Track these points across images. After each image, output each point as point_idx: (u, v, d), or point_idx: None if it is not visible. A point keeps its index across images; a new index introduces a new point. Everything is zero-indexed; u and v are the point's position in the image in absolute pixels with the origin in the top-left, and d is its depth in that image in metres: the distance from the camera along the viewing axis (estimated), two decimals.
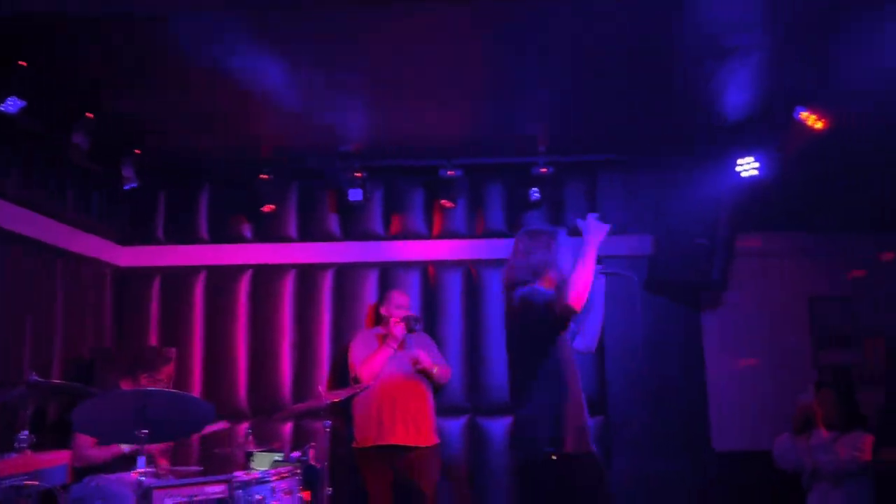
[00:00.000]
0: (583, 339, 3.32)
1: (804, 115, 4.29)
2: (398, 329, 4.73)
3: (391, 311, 4.89)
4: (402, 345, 4.80)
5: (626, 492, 5.20)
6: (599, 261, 3.16)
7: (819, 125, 4.28)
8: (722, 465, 5.21)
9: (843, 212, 5.27)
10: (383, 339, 4.82)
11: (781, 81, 4.27)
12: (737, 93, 4.40)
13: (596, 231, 3.13)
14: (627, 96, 4.51)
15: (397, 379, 4.73)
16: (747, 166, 4.95)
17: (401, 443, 4.63)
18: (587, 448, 2.99)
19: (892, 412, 3.80)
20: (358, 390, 4.64)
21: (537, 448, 2.91)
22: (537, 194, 5.30)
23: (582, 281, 2.94)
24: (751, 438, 5.12)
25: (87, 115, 4.31)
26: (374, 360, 4.73)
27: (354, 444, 4.80)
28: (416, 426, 4.68)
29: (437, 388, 4.94)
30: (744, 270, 5.39)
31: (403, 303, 4.95)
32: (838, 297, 5.40)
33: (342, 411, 5.06)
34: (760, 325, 5.41)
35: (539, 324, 3.03)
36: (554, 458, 2.87)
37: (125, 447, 4.01)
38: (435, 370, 4.79)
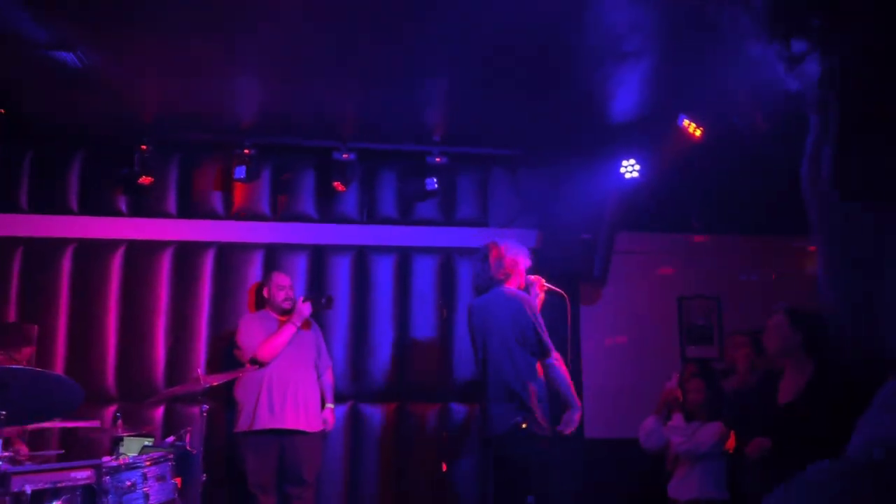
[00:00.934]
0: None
1: (686, 122, 4.54)
2: (305, 307, 4.66)
3: (273, 292, 4.83)
4: (307, 324, 4.73)
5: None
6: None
7: (698, 133, 4.54)
8: (593, 451, 5.44)
9: (715, 215, 5.63)
10: (280, 319, 4.74)
11: (666, 89, 4.50)
12: (626, 96, 4.60)
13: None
14: (523, 92, 4.61)
15: (292, 362, 4.65)
16: (630, 168, 5.19)
17: (291, 427, 4.54)
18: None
19: (743, 402, 4.12)
20: (243, 373, 4.50)
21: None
22: (434, 184, 5.31)
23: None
24: (620, 427, 5.37)
25: None
26: (277, 339, 4.62)
27: (237, 429, 4.65)
28: (305, 411, 4.62)
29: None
30: (621, 267, 5.64)
31: (285, 283, 4.88)
32: (704, 296, 5.76)
33: (219, 395, 4.88)
34: (634, 319, 5.69)
35: None
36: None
37: None
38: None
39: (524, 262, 4.09)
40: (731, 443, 3.89)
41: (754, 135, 4.36)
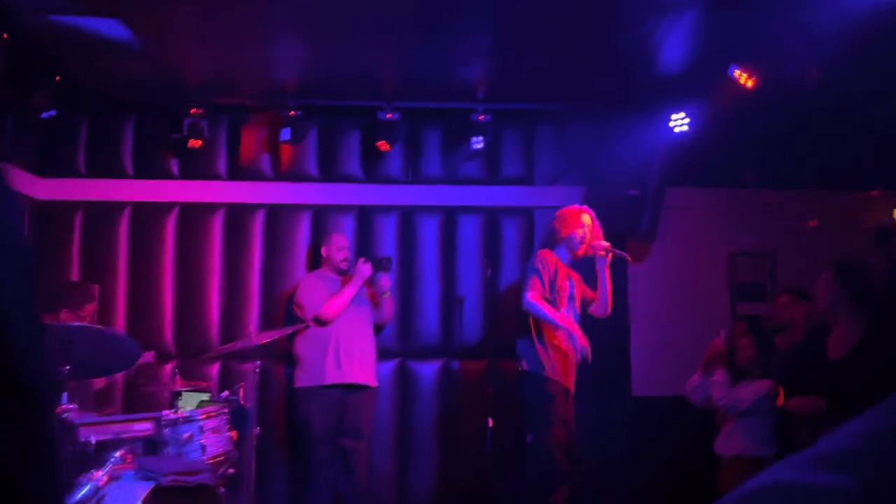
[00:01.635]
0: (598, 307, 4.55)
1: (737, 73, 4.40)
2: (365, 268, 4.75)
3: (332, 252, 4.93)
4: (369, 283, 4.83)
5: None
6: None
7: (750, 83, 4.40)
8: (641, 409, 5.44)
9: (768, 169, 5.47)
10: (342, 278, 4.84)
11: (715, 39, 4.36)
12: (673, 49, 4.48)
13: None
14: (567, 46, 4.52)
15: (354, 319, 4.77)
16: (679, 121, 5.07)
17: (357, 381, 4.68)
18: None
19: (794, 359, 4.05)
20: (293, 330, 4.64)
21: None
22: (480, 143, 5.28)
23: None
24: (668, 385, 5.35)
25: (3, 35, 4.04)
26: (339, 299, 4.74)
27: (301, 384, 4.77)
28: (366, 367, 4.76)
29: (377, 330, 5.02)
30: (670, 223, 5.55)
31: (344, 244, 4.99)
32: (756, 252, 5.64)
33: (271, 352, 5.03)
34: (683, 276, 5.61)
35: None
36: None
37: None
38: (387, 293, 4.91)
39: (565, 230, 4.49)
40: (780, 399, 3.85)
41: (809, 84, 4.21)
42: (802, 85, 4.25)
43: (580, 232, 4.43)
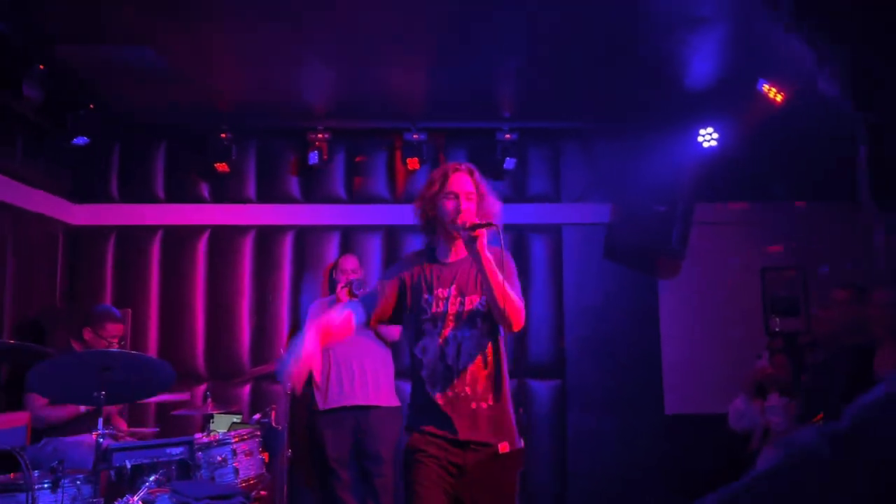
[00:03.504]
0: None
1: (766, 87, 4.36)
2: (343, 294, 4.74)
3: (338, 275, 4.91)
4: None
5: (580, 453, 5.35)
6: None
7: (779, 98, 4.36)
8: (674, 427, 5.37)
9: (801, 183, 5.40)
10: (330, 305, 4.82)
11: (744, 54, 4.32)
12: (700, 64, 4.45)
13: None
14: (594, 63, 4.51)
15: (352, 342, 4.73)
16: (707, 137, 5.03)
17: (361, 403, 4.66)
18: None
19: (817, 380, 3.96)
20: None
21: None
22: (512, 164, 5.27)
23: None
24: (703, 402, 5.28)
25: (40, 66, 4.14)
26: None
27: (315, 407, 4.81)
28: (374, 386, 4.71)
29: (394, 347, 4.97)
30: (700, 239, 5.50)
31: (350, 266, 4.90)
32: (789, 266, 5.56)
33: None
34: (714, 292, 5.54)
35: None
36: None
37: (82, 406, 3.93)
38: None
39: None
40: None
41: (840, 97, 4.15)
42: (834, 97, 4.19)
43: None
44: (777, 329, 5.25)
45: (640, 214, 5.33)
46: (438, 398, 2.62)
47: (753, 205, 5.62)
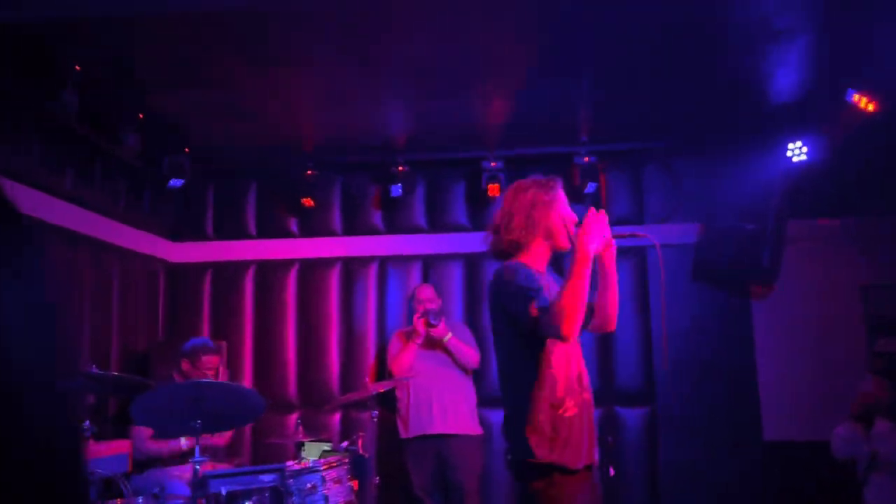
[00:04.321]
0: (595, 319, 2.73)
1: (856, 97, 4.18)
2: (420, 324, 4.79)
3: (414, 305, 4.98)
4: (427, 340, 4.82)
5: (675, 483, 5.17)
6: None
7: (871, 108, 4.17)
8: (773, 454, 5.13)
9: (891, 195, 5.12)
10: (408, 335, 4.89)
11: (830, 64, 4.17)
12: (785, 76, 4.32)
13: (591, 230, 2.45)
14: (673, 83, 4.45)
15: (431, 371, 4.78)
16: (797, 151, 4.85)
17: (439, 432, 4.68)
18: None
19: None
20: (396, 382, 4.72)
21: None
22: (593, 187, 5.24)
23: (572, 302, 2.35)
24: (803, 428, 5.03)
25: (139, 115, 4.44)
26: (401, 357, 4.83)
27: (400, 436, 4.87)
28: (454, 415, 4.72)
29: (476, 375, 4.97)
30: (794, 257, 5.27)
31: (426, 296, 4.96)
32: (891, 283, 5.25)
33: (389, 402, 5.13)
34: (812, 312, 5.29)
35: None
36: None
37: (184, 443, 4.12)
38: (447, 337, 4.79)
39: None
40: None
41: None
42: None
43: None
44: (881, 349, 4.95)
45: (729, 234, 5.18)
46: None
47: (847, 220, 5.35)
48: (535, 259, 2.68)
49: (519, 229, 2.65)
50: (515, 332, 2.55)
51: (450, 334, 4.82)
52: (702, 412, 5.22)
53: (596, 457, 2.60)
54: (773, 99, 4.63)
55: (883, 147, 4.69)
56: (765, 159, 5.03)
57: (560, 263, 3.48)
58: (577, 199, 5.40)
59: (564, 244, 2.66)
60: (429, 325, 4.76)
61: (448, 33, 3.81)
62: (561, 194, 2.75)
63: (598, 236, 2.49)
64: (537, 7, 3.61)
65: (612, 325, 2.74)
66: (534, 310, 2.43)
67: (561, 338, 2.40)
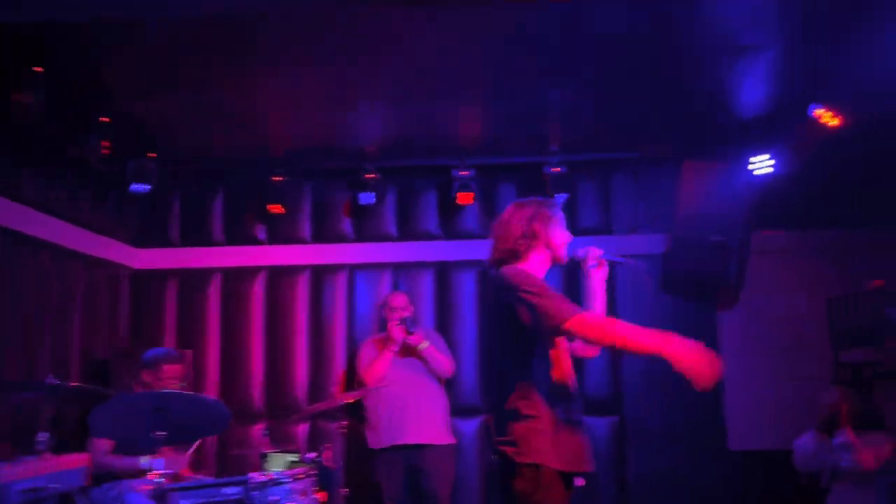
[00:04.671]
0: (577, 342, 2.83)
1: (818, 112, 4.26)
2: (397, 332, 4.74)
3: (387, 313, 4.91)
4: (404, 348, 4.79)
5: (640, 492, 5.20)
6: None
7: (834, 122, 4.24)
8: (737, 464, 5.17)
9: (858, 207, 5.22)
10: (384, 343, 4.83)
11: (795, 79, 4.24)
12: (751, 90, 4.38)
13: (702, 362, 2.47)
14: (641, 95, 4.50)
15: (405, 380, 4.74)
16: (761, 164, 4.92)
17: (413, 442, 4.64)
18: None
19: None
20: (367, 392, 4.66)
21: None
22: (563, 198, 5.24)
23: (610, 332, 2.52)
24: (767, 438, 5.08)
25: (103, 119, 4.34)
26: (376, 366, 4.76)
27: (369, 446, 4.82)
28: (429, 424, 4.69)
29: (447, 384, 4.95)
30: (761, 268, 5.34)
31: (398, 304, 4.90)
32: (856, 294, 5.34)
33: (358, 412, 5.08)
34: (777, 324, 5.36)
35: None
36: None
37: (143, 462, 3.99)
38: (425, 345, 4.76)
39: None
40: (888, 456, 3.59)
41: None
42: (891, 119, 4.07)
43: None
44: (844, 360, 5.03)
45: (695, 245, 5.22)
46: None
47: (815, 231, 5.44)
48: (535, 268, 2.77)
49: (517, 238, 2.75)
50: (515, 333, 2.62)
51: (427, 342, 4.79)
52: (668, 421, 5.26)
53: (591, 466, 2.63)
54: (740, 112, 4.70)
55: (850, 160, 4.78)
56: (732, 171, 5.09)
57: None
58: None
59: (563, 256, 2.79)
60: (408, 332, 4.72)
61: (420, 44, 3.80)
62: (560, 214, 2.84)
63: (703, 367, 2.42)
64: (513, 23, 3.61)
65: (596, 351, 2.85)
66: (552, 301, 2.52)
67: (560, 332, 2.53)
